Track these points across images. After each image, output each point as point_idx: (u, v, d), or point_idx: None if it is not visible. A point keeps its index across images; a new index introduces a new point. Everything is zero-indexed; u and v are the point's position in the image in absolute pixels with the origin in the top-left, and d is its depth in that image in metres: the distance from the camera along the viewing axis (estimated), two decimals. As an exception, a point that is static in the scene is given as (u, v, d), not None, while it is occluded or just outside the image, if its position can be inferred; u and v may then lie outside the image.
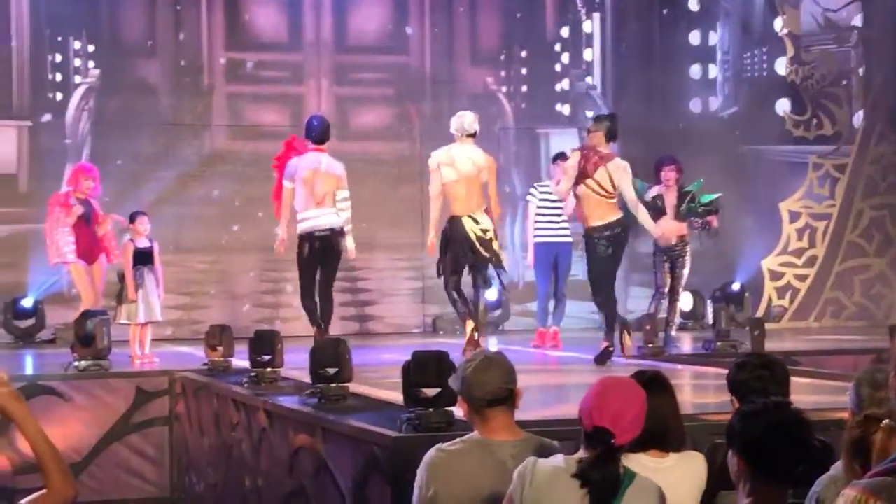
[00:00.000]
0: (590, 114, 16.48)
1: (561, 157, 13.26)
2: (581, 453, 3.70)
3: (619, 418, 3.62)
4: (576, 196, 10.77)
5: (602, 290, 10.72)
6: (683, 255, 12.66)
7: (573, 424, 6.29)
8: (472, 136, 10.83)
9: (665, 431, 4.25)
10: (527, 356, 11.25)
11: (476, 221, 10.63)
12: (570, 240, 13.12)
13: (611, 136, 10.84)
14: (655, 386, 4.22)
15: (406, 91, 16.12)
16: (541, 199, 13.11)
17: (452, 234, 10.65)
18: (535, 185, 13.52)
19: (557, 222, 13.04)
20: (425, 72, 16.20)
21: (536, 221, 13.09)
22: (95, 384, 10.50)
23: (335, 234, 10.84)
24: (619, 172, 10.65)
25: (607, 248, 10.59)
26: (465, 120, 10.85)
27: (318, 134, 10.96)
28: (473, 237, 10.60)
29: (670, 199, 12.64)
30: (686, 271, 12.71)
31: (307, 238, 10.81)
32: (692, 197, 12.62)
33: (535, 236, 13.09)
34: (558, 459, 3.75)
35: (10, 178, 14.80)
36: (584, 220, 10.74)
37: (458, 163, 10.73)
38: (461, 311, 10.80)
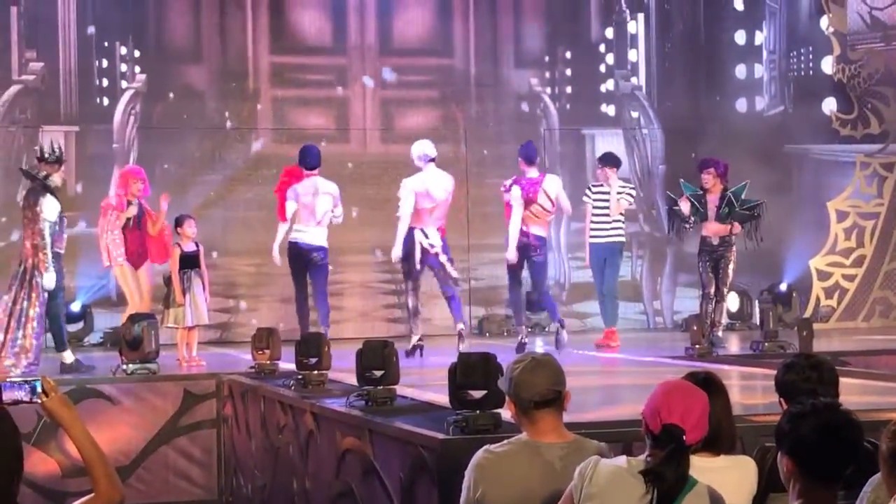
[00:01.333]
0: (635, 114, 16.54)
1: (607, 160, 13.29)
2: (644, 455, 3.70)
3: (687, 416, 3.63)
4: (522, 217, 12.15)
5: (537, 289, 12.50)
6: (727, 255, 12.67)
7: (622, 426, 6.30)
8: (433, 160, 11.97)
9: (718, 433, 4.23)
10: (574, 357, 11.22)
11: (425, 235, 11.79)
12: (621, 240, 13.15)
13: (527, 161, 12.29)
14: (708, 387, 4.19)
15: (451, 93, 16.14)
16: (594, 200, 13.13)
17: (408, 246, 11.85)
18: (590, 186, 13.55)
19: (610, 223, 13.06)
20: (470, 74, 16.21)
21: (591, 222, 13.13)
22: (143, 387, 10.56)
23: (316, 251, 12.10)
24: (555, 186, 12.18)
25: (539, 255, 12.22)
26: (427, 147, 11.99)
27: (313, 161, 12.25)
28: (419, 248, 11.76)
29: (713, 201, 12.68)
30: (731, 272, 12.71)
31: (294, 247, 12.09)
32: (730, 200, 12.66)
33: (590, 237, 13.15)
34: (621, 460, 3.76)
35: (58, 183, 14.91)
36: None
37: (434, 192, 11.81)
38: (410, 322, 12.17)
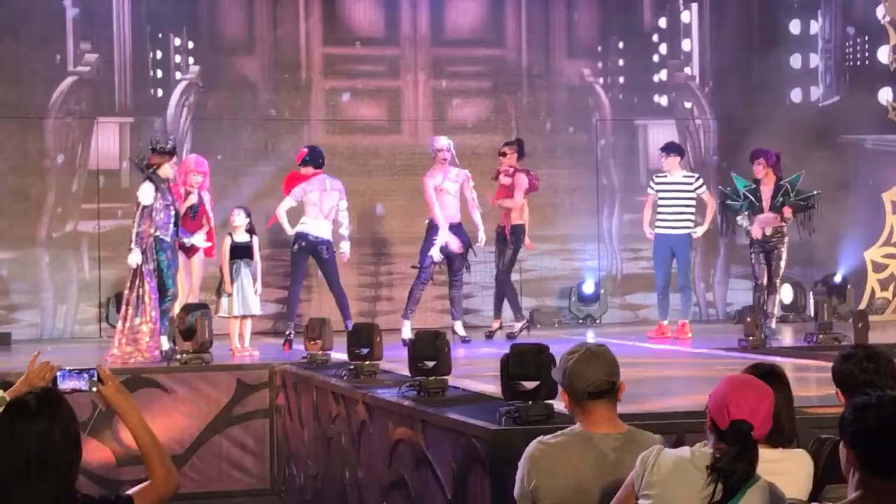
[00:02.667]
0: (688, 105, 16.42)
1: (670, 148, 13.26)
2: (707, 448, 3.68)
3: (756, 412, 3.64)
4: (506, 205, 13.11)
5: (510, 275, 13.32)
6: (779, 246, 12.60)
7: (675, 418, 6.27)
8: None
9: (778, 425, 4.20)
10: (626, 349, 11.16)
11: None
12: (688, 231, 13.08)
13: (521, 156, 13.18)
14: (771, 379, 4.16)
15: (503, 84, 16.11)
16: (659, 190, 13.08)
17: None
18: (654, 176, 13.45)
19: (675, 213, 13.01)
20: (522, 64, 16.17)
21: (658, 213, 13.09)
22: (197, 377, 10.61)
23: (322, 244, 12.57)
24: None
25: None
26: None
27: (321, 160, 12.83)
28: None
29: (766, 192, 12.61)
30: (782, 263, 12.64)
31: (299, 238, 12.56)
32: (786, 190, 12.59)
33: (656, 227, 13.13)
34: (685, 450, 3.76)
35: (113, 174, 15.02)
36: (509, 220, 13.02)
37: None
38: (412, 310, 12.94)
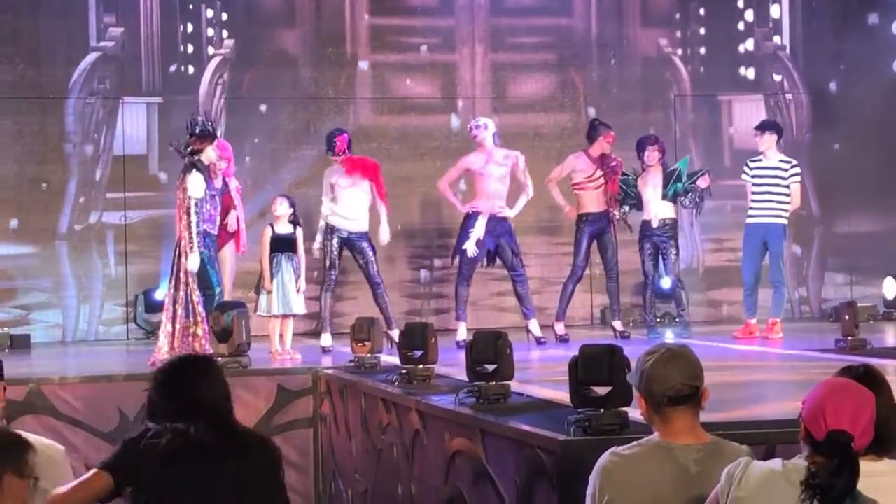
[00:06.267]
0: (778, 78, 16.31)
1: (767, 125, 13.21)
2: (801, 460, 3.65)
3: (856, 421, 3.62)
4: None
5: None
6: (670, 240, 13.20)
7: (765, 427, 6.23)
8: None
9: (884, 433, 4.16)
10: (710, 350, 11.12)
11: None
12: (783, 221, 12.94)
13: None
14: (869, 382, 4.12)
15: (569, 56, 16.06)
16: (753, 176, 12.98)
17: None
18: (748, 161, 13.28)
19: (769, 201, 12.89)
20: (591, 35, 16.12)
21: (752, 200, 13.01)
22: (234, 382, 10.46)
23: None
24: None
25: None
26: None
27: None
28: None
29: (654, 181, 13.01)
30: (675, 257, 13.24)
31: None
32: (679, 175, 12.86)
33: (748, 216, 13.06)
34: (776, 462, 3.74)
35: (140, 160, 15.10)
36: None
37: None
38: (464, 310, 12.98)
